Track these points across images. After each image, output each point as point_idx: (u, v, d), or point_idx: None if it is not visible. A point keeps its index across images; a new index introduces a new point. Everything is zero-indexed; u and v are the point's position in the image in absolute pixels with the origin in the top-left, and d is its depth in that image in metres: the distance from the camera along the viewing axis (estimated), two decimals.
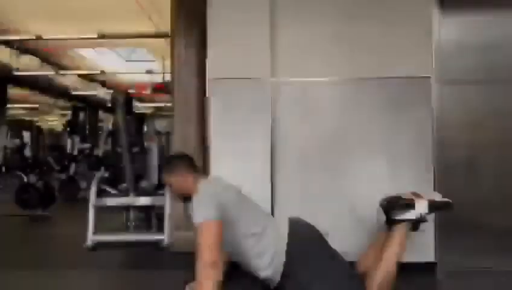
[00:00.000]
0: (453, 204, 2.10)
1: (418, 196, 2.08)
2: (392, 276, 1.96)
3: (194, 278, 2.21)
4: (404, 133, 2.63)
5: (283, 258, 1.95)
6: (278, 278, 1.99)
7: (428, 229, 2.59)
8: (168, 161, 2.30)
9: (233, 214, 2.00)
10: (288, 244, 1.97)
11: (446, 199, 2.11)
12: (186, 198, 2.15)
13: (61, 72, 13.06)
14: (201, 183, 2.07)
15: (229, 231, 1.97)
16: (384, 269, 1.94)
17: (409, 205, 2.02)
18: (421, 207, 2.02)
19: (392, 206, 2.04)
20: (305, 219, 2.62)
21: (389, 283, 1.96)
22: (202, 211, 1.91)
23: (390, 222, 2.04)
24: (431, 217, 2.58)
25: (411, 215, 2.01)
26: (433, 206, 2.05)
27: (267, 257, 1.98)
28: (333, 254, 2.03)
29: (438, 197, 2.10)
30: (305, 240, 2.02)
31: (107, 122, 9.56)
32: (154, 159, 4.19)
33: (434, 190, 2.60)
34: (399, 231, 2.01)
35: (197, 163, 3.01)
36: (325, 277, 1.91)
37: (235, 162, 2.63)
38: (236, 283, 2.14)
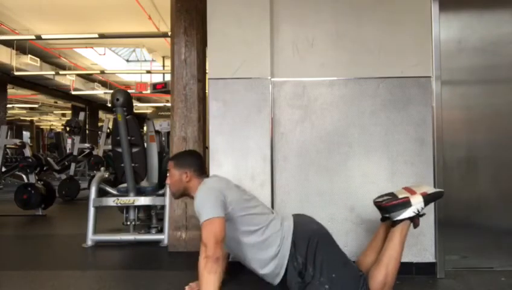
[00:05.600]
0: (443, 191, 2.14)
1: (410, 191, 2.09)
2: (394, 277, 1.96)
3: (194, 278, 2.22)
4: (404, 133, 2.63)
5: (288, 250, 1.96)
6: (281, 272, 1.98)
7: (429, 229, 2.59)
8: (182, 155, 2.30)
9: (236, 212, 2.02)
10: (294, 235, 1.99)
11: (437, 189, 2.13)
12: (181, 195, 2.21)
13: (61, 72, 13.07)
14: (206, 180, 2.13)
15: (231, 227, 1.99)
16: (385, 270, 1.94)
17: (405, 203, 2.02)
18: (417, 203, 2.03)
19: (389, 208, 2.04)
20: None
21: (391, 283, 1.96)
22: (208, 208, 1.92)
23: (392, 223, 2.05)
24: (431, 217, 2.59)
25: (409, 213, 2.01)
26: (427, 199, 2.06)
27: (272, 249, 1.98)
28: (343, 254, 2.05)
29: (428, 189, 2.11)
30: (312, 231, 2.03)
31: (107, 122, 9.55)
32: (154, 159, 4.19)
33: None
34: (401, 230, 2.01)
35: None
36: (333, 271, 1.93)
37: (235, 162, 2.63)
38: None
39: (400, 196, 2.05)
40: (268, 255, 1.99)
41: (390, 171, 2.62)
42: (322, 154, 2.66)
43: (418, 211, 2.03)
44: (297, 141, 2.68)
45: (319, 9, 2.70)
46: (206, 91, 2.90)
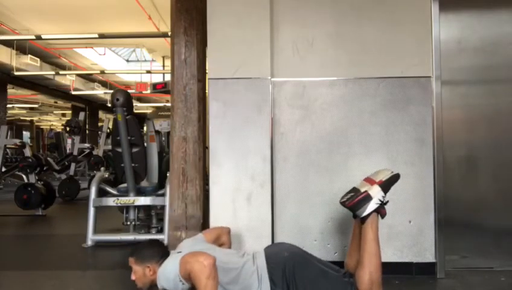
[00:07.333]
0: (398, 174, 2.11)
1: (370, 181, 2.07)
2: (378, 273, 1.94)
3: None
4: (404, 133, 2.63)
5: (268, 288, 1.92)
6: None
7: (429, 229, 2.59)
8: (140, 249, 2.11)
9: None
10: (269, 271, 1.94)
11: (392, 173, 2.10)
12: (150, 288, 2.06)
13: (61, 72, 13.07)
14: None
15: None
16: (368, 269, 1.91)
17: (366, 197, 2.01)
18: (376, 193, 2.01)
19: (353, 207, 2.03)
20: (305, 218, 2.65)
21: (378, 280, 1.93)
22: (173, 262, 1.90)
23: (361, 220, 2.04)
24: (431, 217, 2.59)
25: (372, 206, 1.99)
26: (384, 186, 2.04)
27: None
28: (321, 268, 2.00)
29: (384, 175, 2.09)
30: (284, 260, 1.98)
31: (107, 122, 9.55)
32: (154, 159, 4.19)
33: (434, 189, 2.60)
34: (371, 225, 2.00)
35: (197, 163, 3.02)
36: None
37: (235, 162, 2.63)
38: None
39: (362, 190, 2.04)
40: None
41: None
42: (322, 155, 2.66)
43: (381, 201, 2.01)
44: (297, 141, 2.68)
45: (319, 9, 2.70)
46: (206, 91, 2.90)
